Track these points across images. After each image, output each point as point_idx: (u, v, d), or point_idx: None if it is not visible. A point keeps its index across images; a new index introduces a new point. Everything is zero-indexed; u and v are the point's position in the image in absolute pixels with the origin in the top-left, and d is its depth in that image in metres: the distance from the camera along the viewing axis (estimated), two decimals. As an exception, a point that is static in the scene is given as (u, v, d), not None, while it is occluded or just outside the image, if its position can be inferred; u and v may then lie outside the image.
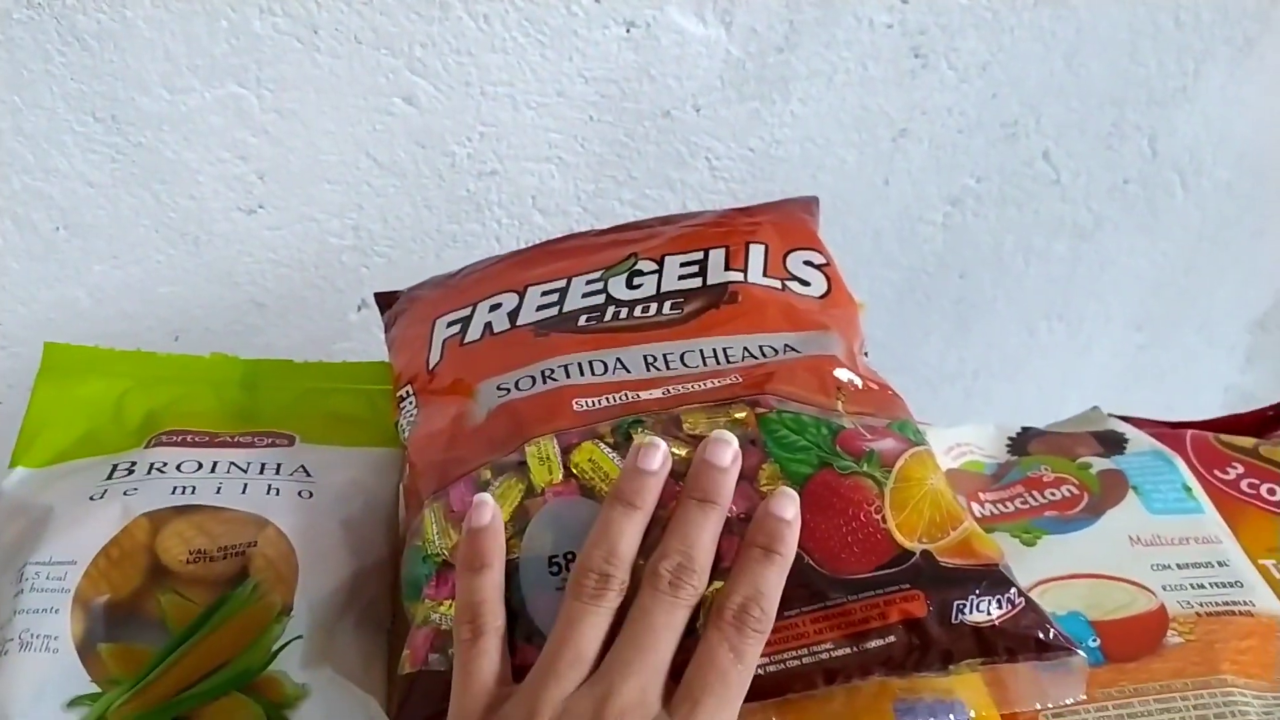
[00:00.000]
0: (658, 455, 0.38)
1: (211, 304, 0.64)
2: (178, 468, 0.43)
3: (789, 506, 0.37)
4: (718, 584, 0.37)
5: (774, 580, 0.36)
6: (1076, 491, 0.52)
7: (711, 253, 0.50)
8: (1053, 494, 0.52)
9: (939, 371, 0.88)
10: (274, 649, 0.38)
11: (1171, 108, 0.76)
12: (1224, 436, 0.62)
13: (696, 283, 0.48)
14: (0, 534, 0.41)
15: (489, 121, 0.62)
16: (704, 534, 0.36)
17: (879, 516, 0.39)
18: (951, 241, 0.79)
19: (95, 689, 0.36)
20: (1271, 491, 0.58)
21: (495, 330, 0.47)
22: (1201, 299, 0.92)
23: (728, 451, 0.38)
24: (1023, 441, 0.58)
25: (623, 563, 0.35)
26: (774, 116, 0.67)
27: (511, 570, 0.37)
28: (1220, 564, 0.48)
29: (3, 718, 0.35)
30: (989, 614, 0.38)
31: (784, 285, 0.49)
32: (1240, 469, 0.59)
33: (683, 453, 0.39)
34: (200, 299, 0.64)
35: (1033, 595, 0.46)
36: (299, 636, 0.38)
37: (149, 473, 0.43)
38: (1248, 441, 0.61)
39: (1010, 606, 0.38)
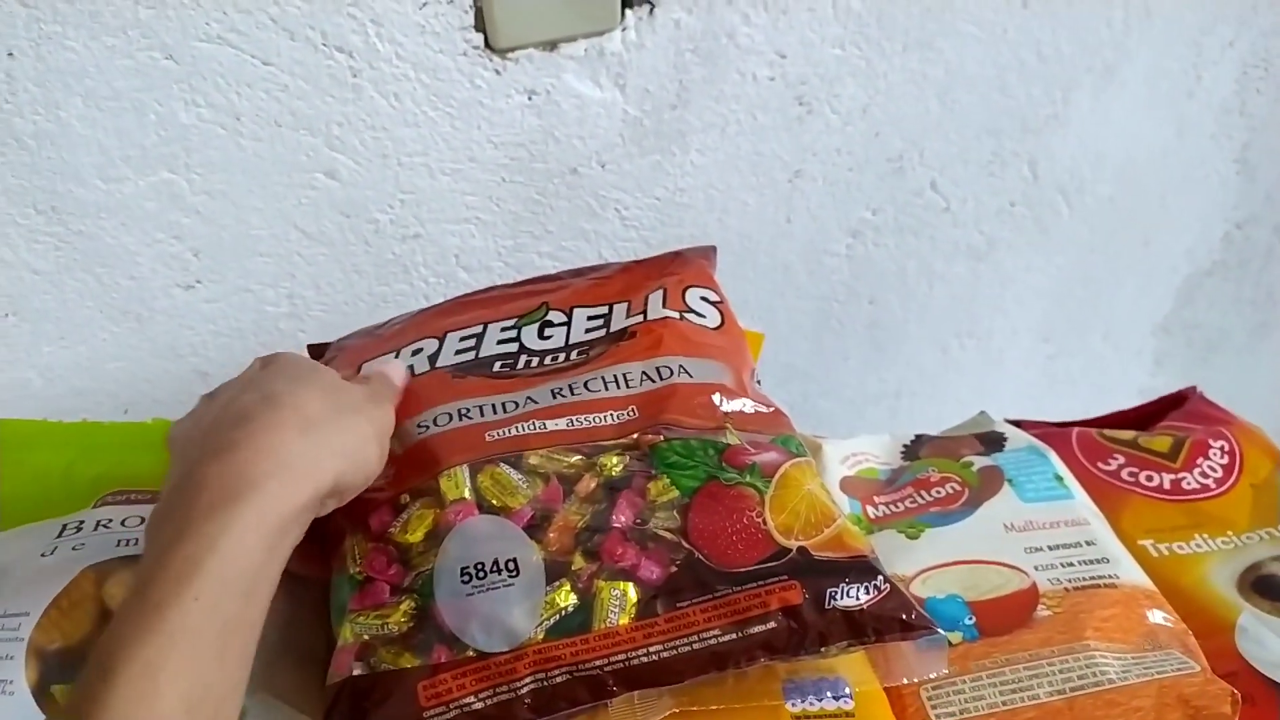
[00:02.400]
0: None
1: (158, 377, 0.68)
2: (122, 523, 0.47)
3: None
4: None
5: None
6: (959, 488, 0.57)
7: (615, 306, 0.54)
8: (938, 492, 0.57)
9: (862, 393, 0.93)
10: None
11: (1046, 134, 0.83)
12: (1107, 431, 0.67)
13: (601, 333, 0.53)
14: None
15: (408, 189, 0.67)
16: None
17: (760, 519, 0.44)
18: (857, 270, 0.85)
19: (48, 727, 0.40)
20: (1150, 478, 0.63)
21: (416, 372, 0.51)
22: (1102, 308, 0.98)
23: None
24: (915, 448, 0.63)
25: None
26: (675, 167, 0.73)
27: (427, 580, 0.41)
28: (1088, 543, 0.53)
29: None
30: (858, 599, 0.42)
31: (681, 315, 0.54)
32: (1121, 459, 0.64)
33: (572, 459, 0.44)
34: (146, 372, 0.68)
35: (915, 583, 0.51)
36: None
37: (95, 529, 0.47)
38: (1129, 435, 0.67)
39: (877, 592, 0.42)
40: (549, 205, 0.72)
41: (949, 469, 0.58)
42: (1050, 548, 0.52)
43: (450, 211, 0.69)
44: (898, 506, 0.57)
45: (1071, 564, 0.52)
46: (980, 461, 0.58)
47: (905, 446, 0.63)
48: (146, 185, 0.62)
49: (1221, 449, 0.64)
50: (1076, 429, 0.67)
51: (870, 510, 0.57)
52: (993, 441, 0.61)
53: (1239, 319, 1.07)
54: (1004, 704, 0.45)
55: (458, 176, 0.68)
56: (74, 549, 0.45)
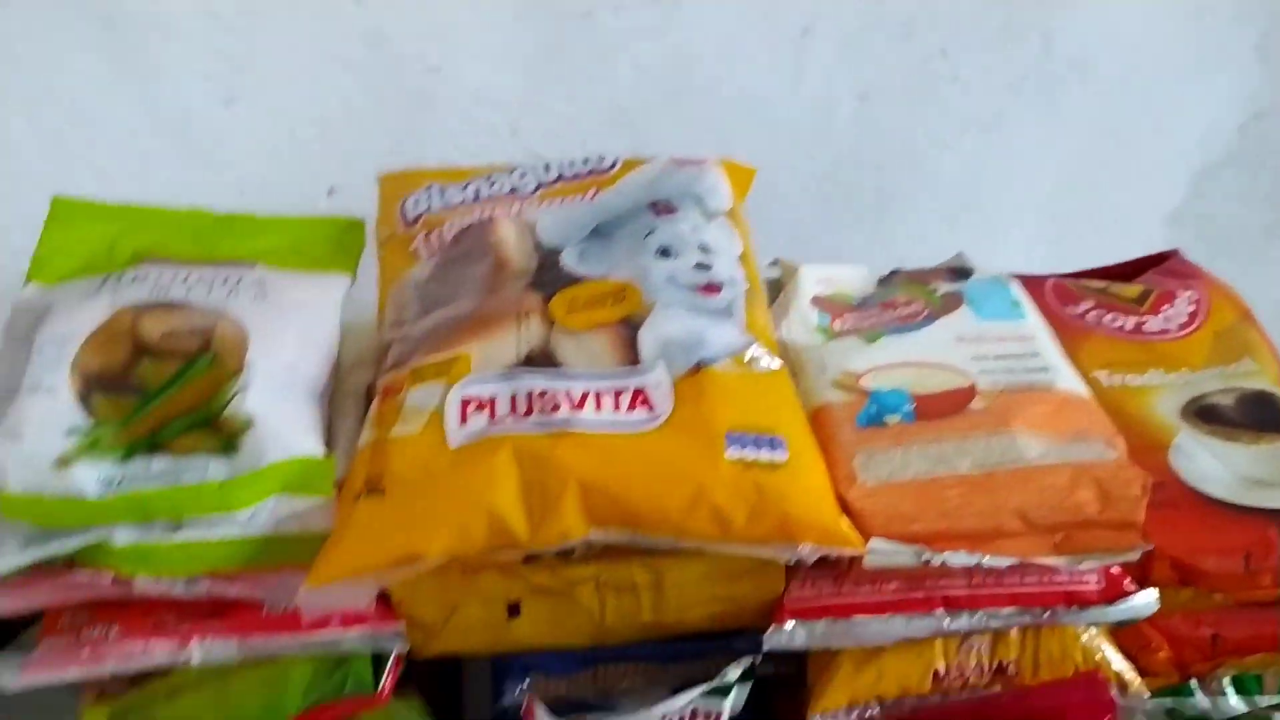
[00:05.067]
0: None
1: (196, 188, 0.74)
2: (156, 278, 0.53)
3: None
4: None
5: None
6: (921, 308, 0.61)
7: None
8: (902, 310, 0.61)
9: (864, 262, 0.96)
10: (228, 398, 0.48)
11: (1060, 6, 0.84)
12: (1081, 280, 0.71)
13: None
14: (15, 326, 0.52)
15: (431, 22, 0.72)
16: None
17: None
18: (864, 134, 0.87)
19: (90, 424, 0.47)
20: (1113, 320, 0.66)
21: None
22: (1112, 192, 1.00)
23: None
24: (890, 279, 0.67)
25: None
26: (687, 16, 0.76)
27: None
28: (1032, 355, 0.57)
29: (17, 435, 0.45)
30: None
31: None
32: (1090, 303, 0.68)
33: None
34: (187, 182, 0.74)
35: (865, 377, 0.55)
36: (246, 387, 0.48)
37: (133, 281, 0.53)
38: (1101, 283, 0.70)
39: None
40: (564, 48, 0.76)
41: (916, 293, 0.62)
42: (996, 357, 0.56)
43: (471, 49, 0.74)
44: (862, 322, 0.61)
45: (1013, 370, 0.56)
46: (946, 288, 0.62)
47: (881, 278, 0.67)
48: (191, 3, 0.67)
49: (1189, 299, 0.67)
50: (1053, 278, 0.70)
51: (837, 324, 0.61)
52: (962, 273, 0.65)
53: (1254, 215, 1.07)
54: (928, 472, 0.50)
55: (479, 11, 0.72)
56: (113, 293, 0.52)
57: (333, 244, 0.61)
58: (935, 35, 0.83)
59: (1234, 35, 0.91)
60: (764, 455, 0.47)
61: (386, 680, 0.50)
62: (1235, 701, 0.56)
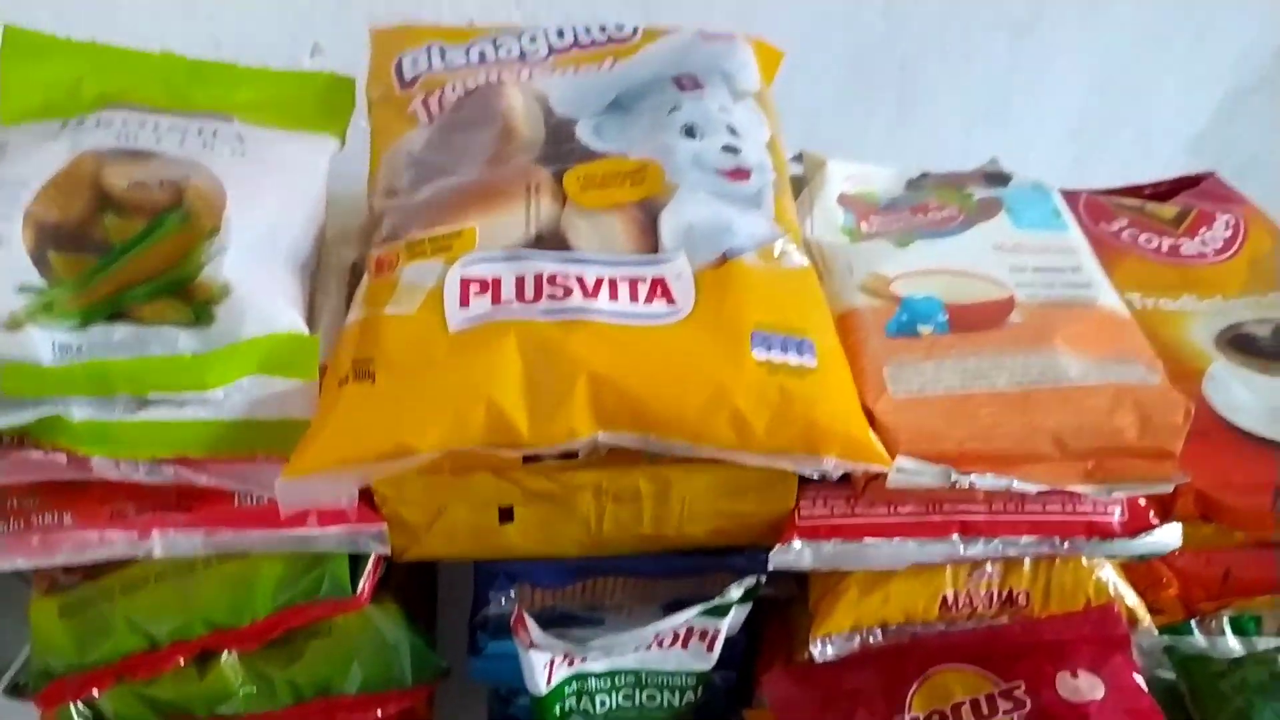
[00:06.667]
0: None
1: (170, 37, 0.67)
2: (123, 123, 0.48)
3: None
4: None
5: None
6: (956, 213, 0.56)
7: None
8: (935, 215, 0.57)
9: (880, 159, 0.92)
10: (202, 261, 0.43)
11: (1114, -101, 0.78)
12: (1116, 198, 0.67)
13: None
14: (-39, 167, 0.46)
15: None
16: None
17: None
18: (894, 27, 0.82)
19: (44, 284, 0.42)
20: (1149, 240, 0.63)
21: None
22: (1138, 111, 0.95)
23: None
24: (919, 181, 0.62)
25: None
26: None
27: None
28: (1074, 269, 0.53)
29: (-42, 285, 0.40)
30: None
31: None
32: (1125, 221, 0.64)
33: None
34: (160, 31, 0.67)
35: (896, 282, 0.51)
36: (224, 249, 0.43)
37: (97, 126, 0.47)
38: (1136, 202, 0.66)
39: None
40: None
41: (949, 197, 0.58)
42: (1035, 269, 0.53)
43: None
44: (891, 225, 0.57)
45: (1052, 285, 0.52)
46: (981, 193, 0.58)
47: (910, 180, 0.63)
48: None
49: (1227, 223, 0.64)
50: (1086, 193, 0.66)
51: (864, 226, 0.57)
52: (999, 179, 0.61)
53: (1277, 148, 1.04)
54: (961, 387, 0.46)
55: None
56: (75, 137, 0.46)
57: (318, 102, 0.55)
58: (978, -79, 0.76)
59: (1289, -55, 0.86)
60: (792, 359, 0.43)
61: (365, 583, 0.47)
62: (1233, 642, 0.55)
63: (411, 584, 0.56)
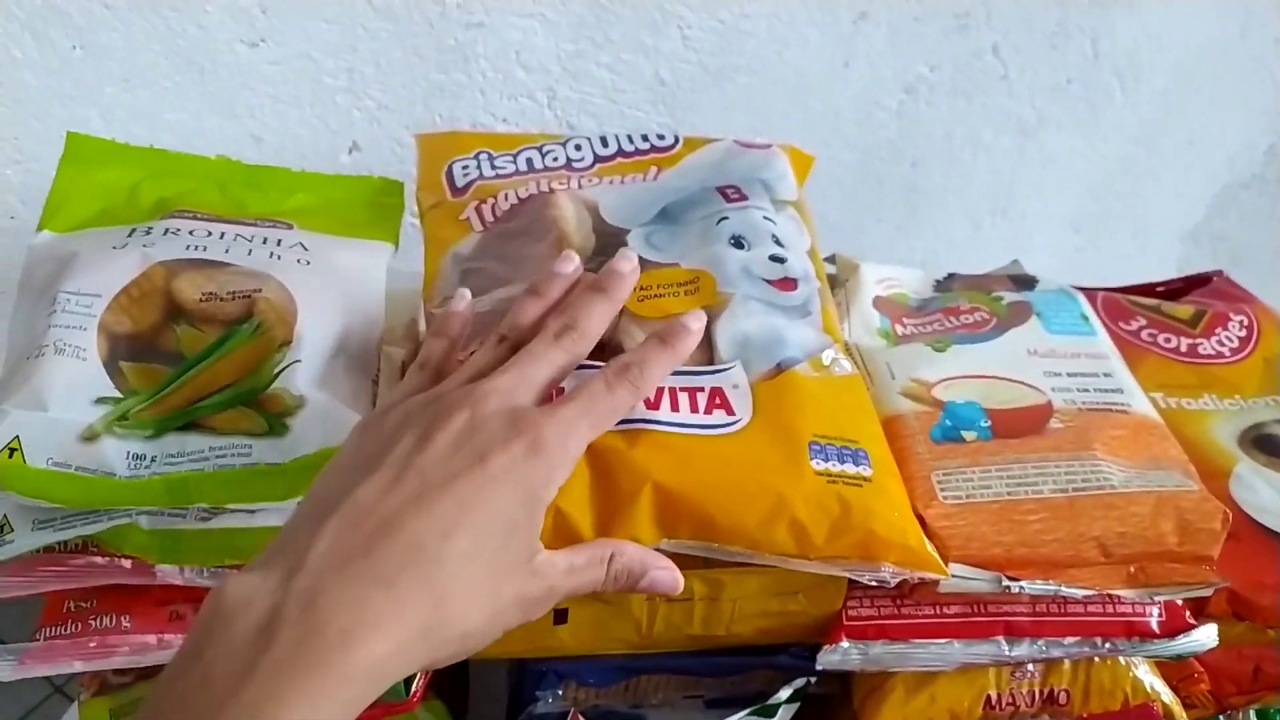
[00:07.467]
0: (571, 264, 0.45)
1: (212, 134, 0.69)
2: (190, 233, 0.49)
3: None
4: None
5: (654, 355, 0.43)
6: (987, 316, 0.58)
7: None
8: (966, 318, 0.58)
9: (888, 257, 0.94)
10: (275, 372, 0.44)
11: (1113, 10, 0.82)
12: (1132, 296, 0.69)
13: None
14: (31, 276, 0.47)
15: (477, -26, 0.67)
16: (592, 310, 0.43)
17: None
18: (905, 129, 0.85)
19: (119, 394, 0.42)
20: (1168, 340, 0.65)
21: None
22: (1137, 205, 0.99)
23: (629, 262, 0.45)
24: (947, 284, 0.64)
25: (518, 331, 0.43)
26: (742, -10, 0.73)
27: None
28: (1105, 375, 0.55)
29: (41, 404, 0.41)
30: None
31: None
32: (1143, 321, 0.66)
33: None
34: (202, 128, 0.69)
35: (938, 388, 0.53)
36: (298, 361, 0.44)
37: (165, 234, 0.48)
38: (1152, 301, 0.68)
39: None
40: (613, 13, 0.72)
41: (979, 300, 0.60)
42: (1069, 375, 0.54)
43: (517, 4, 0.69)
44: (926, 327, 0.58)
45: (1087, 390, 0.54)
46: (1011, 297, 0.60)
47: (937, 281, 0.64)
48: (221, -68, 0.62)
49: (1241, 323, 0.66)
50: (1103, 292, 0.69)
51: (899, 329, 0.59)
52: (1025, 282, 0.63)
53: (1268, 237, 1.08)
54: (1008, 494, 0.47)
55: (528, -32, 0.68)
56: (144, 246, 0.47)
57: (369, 206, 0.56)
58: (989, 30, 0.80)
59: (1277, 56, 0.90)
60: (849, 468, 0.44)
61: (418, 685, 0.47)
62: (1259, 733, 0.55)
63: (452, 682, 0.56)
